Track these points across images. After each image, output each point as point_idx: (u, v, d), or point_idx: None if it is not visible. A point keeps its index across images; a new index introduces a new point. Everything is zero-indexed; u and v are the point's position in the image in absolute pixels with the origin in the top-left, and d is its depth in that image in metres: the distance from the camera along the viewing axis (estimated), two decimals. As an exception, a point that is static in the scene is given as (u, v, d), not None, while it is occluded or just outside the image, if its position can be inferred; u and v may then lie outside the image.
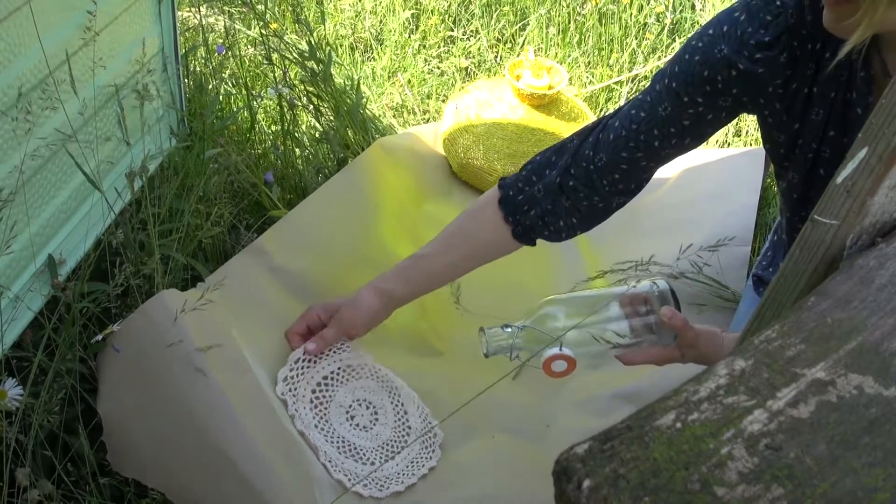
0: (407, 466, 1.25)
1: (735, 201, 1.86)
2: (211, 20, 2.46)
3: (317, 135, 2.08)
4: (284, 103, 1.92)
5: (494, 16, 2.75)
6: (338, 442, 1.24)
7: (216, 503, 1.19)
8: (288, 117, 1.95)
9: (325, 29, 2.65)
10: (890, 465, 0.38)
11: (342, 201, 1.66)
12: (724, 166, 2.03)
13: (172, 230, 1.48)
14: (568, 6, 2.69)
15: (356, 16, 2.77)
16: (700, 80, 1.03)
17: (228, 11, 2.48)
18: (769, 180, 2.06)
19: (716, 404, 0.41)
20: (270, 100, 2.14)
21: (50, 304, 1.26)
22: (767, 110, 1.05)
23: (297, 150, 1.96)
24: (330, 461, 1.21)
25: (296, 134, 1.98)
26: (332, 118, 2.04)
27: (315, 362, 1.27)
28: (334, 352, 1.31)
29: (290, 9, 2.41)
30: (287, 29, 2.49)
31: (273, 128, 2.14)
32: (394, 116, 2.42)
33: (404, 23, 2.74)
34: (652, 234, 1.84)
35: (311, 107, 2.06)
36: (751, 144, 2.28)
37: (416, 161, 1.97)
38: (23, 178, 1.17)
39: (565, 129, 2.02)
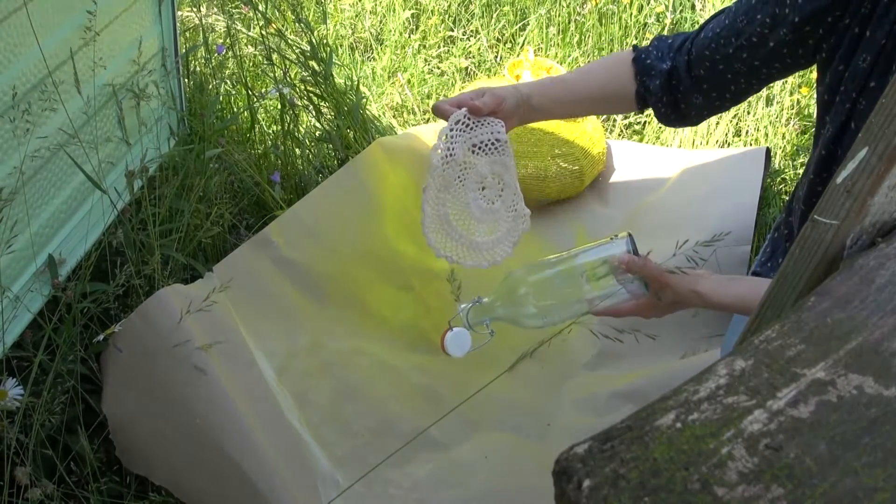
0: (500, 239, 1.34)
1: (735, 201, 1.86)
2: (211, 20, 2.46)
3: (318, 134, 2.08)
4: (285, 103, 1.92)
5: (494, 16, 2.75)
6: (460, 208, 1.33)
7: (220, 502, 1.19)
8: (288, 117, 1.95)
9: (325, 28, 2.65)
10: (890, 465, 0.38)
11: (345, 197, 1.66)
12: (724, 166, 2.03)
13: (172, 230, 1.48)
14: (568, 6, 2.69)
15: (356, 16, 2.77)
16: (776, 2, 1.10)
17: (229, 11, 2.48)
18: (769, 180, 2.06)
19: (716, 404, 0.41)
20: (271, 99, 2.14)
21: (50, 304, 1.26)
22: (825, 44, 1.07)
23: (297, 150, 1.96)
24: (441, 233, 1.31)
25: (296, 134, 1.98)
26: (332, 118, 2.04)
27: (471, 129, 1.29)
28: (489, 123, 1.30)
29: (291, 8, 2.41)
30: (287, 29, 2.49)
31: (273, 128, 2.14)
32: (394, 116, 2.41)
33: (404, 23, 2.74)
34: (652, 234, 1.84)
35: (312, 107, 2.06)
36: (751, 144, 2.28)
37: (416, 161, 1.97)
38: (23, 178, 1.17)
39: (565, 129, 2.02)
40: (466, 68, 2.63)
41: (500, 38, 2.74)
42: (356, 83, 2.22)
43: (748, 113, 2.33)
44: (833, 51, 1.06)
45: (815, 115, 1.18)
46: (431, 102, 2.48)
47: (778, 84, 2.31)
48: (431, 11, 2.77)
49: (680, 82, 1.22)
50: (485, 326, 1.22)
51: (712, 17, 1.22)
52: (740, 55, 1.15)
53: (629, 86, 1.26)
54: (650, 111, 1.30)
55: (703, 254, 1.63)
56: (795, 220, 1.23)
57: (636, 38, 2.61)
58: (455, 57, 2.64)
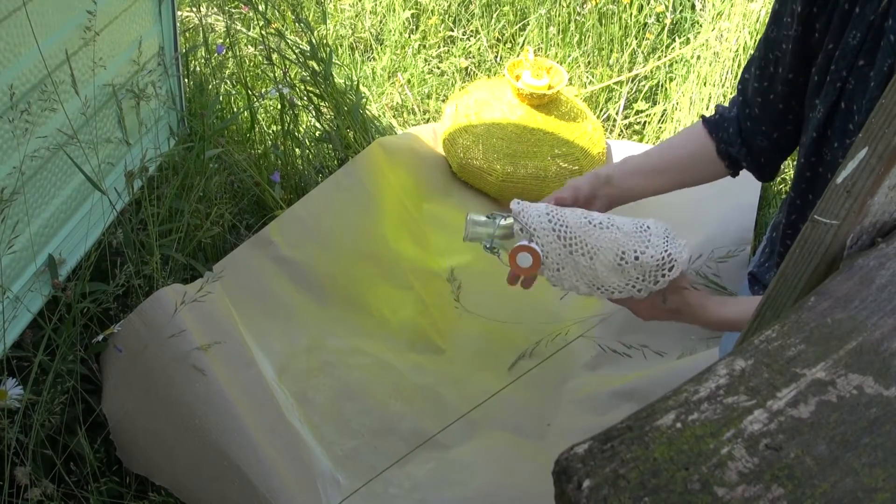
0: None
1: (735, 201, 1.86)
2: (211, 20, 2.46)
3: (317, 134, 2.08)
4: (285, 103, 1.92)
5: (494, 16, 2.75)
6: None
7: (219, 502, 1.19)
8: (288, 117, 1.95)
9: (325, 29, 2.65)
10: (890, 465, 0.38)
11: (345, 197, 1.67)
12: (724, 166, 2.03)
13: (172, 230, 1.48)
14: (568, 6, 2.69)
15: (356, 16, 2.77)
16: None
17: (229, 11, 2.48)
18: (769, 180, 2.06)
19: (716, 404, 0.41)
20: (271, 99, 2.14)
21: (50, 304, 1.26)
22: (818, 23, 1.07)
23: (297, 150, 1.96)
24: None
25: (296, 134, 1.98)
26: (332, 118, 2.05)
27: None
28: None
29: (291, 8, 2.41)
30: (287, 29, 2.49)
31: (273, 128, 2.14)
32: (394, 116, 2.41)
33: (404, 23, 2.74)
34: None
35: (312, 106, 2.06)
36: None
37: (416, 161, 1.97)
38: (23, 178, 1.17)
39: (565, 129, 2.02)
40: (466, 68, 2.63)
41: (500, 38, 2.74)
42: (356, 83, 2.22)
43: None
44: (824, 30, 1.06)
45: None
46: (431, 102, 2.48)
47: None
48: (431, 11, 2.77)
49: (742, 127, 1.21)
50: (483, 246, 1.10)
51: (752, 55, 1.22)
52: (778, 70, 1.14)
53: (708, 144, 1.25)
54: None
55: (715, 269, 1.62)
56: (785, 207, 1.24)
57: (636, 38, 2.61)
58: (455, 57, 2.64)
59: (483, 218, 1.11)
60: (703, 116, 1.28)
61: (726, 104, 1.25)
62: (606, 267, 1.06)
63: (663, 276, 1.05)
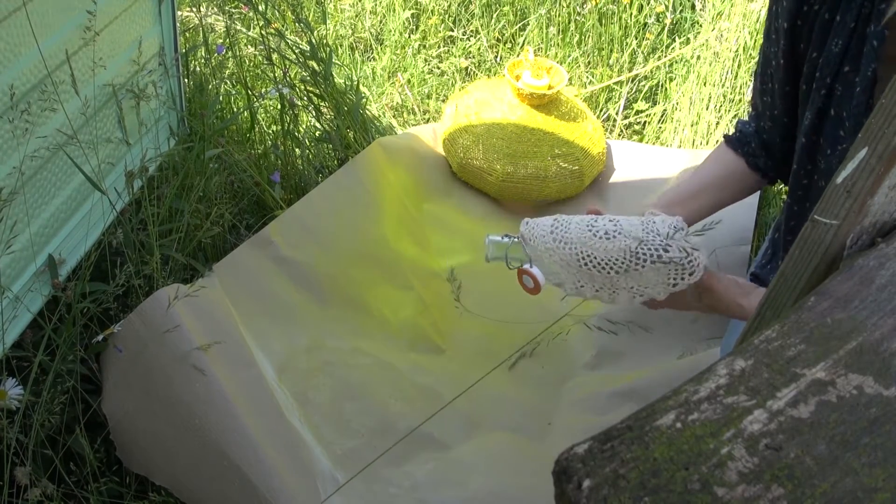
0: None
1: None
2: (211, 20, 2.46)
3: (317, 134, 2.08)
4: (285, 103, 1.92)
5: (494, 16, 2.75)
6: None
7: (219, 502, 1.19)
8: (288, 117, 1.95)
9: (325, 29, 2.65)
10: (890, 465, 0.38)
11: (345, 197, 1.67)
12: (724, 166, 2.02)
13: (172, 230, 1.48)
14: (568, 6, 2.69)
15: (356, 16, 2.77)
16: (771, 14, 1.12)
17: (228, 11, 2.48)
18: (769, 180, 2.06)
19: (716, 404, 0.41)
20: (271, 99, 2.14)
21: (50, 304, 1.26)
22: (803, 35, 1.08)
23: (297, 150, 1.96)
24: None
25: (296, 134, 1.98)
26: (332, 118, 2.05)
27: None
28: None
29: (291, 9, 2.40)
30: (287, 29, 2.49)
31: (273, 128, 2.14)
32: (394, 116, 2.41)
33: (404, 23, 2.74)
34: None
35: (312, 106, 2.06)
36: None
37: (416, 161, 1.97)
38: (23, 178, 1.17)
39: (565, 129, 2.02)
40: (466, 68, 2.63)
41: (500, 38, 2.74)
42: (356, 83, 2.22)
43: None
44: (807, 41, 1.07)
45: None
46: (431, 102, 2.48)
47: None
48: (431, 11, 2.77)
49: (765, 140, 1.23)
50: (505, 264, 1.16)
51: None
52: (774, 87, 1.15)
53: (737, 161, 1.27)
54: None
55: (695, 244, 1.63)
56: (784, 211, 1.24)
57: (636, 38, 2.61)
58: (455, 57, 2.64)
59: (499, 238, 1.17)
60: (725, 136, 1.30)
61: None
62: (621, 274, 1.07)
63: (682, 278, 1.06)
